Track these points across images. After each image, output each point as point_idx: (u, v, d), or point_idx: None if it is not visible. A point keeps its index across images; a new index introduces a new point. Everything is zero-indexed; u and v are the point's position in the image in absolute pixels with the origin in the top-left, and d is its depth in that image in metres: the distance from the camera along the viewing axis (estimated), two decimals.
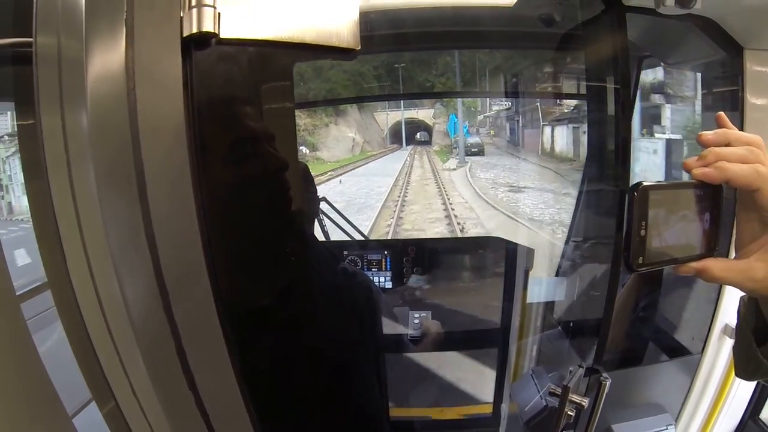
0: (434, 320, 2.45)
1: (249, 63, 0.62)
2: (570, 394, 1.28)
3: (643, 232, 0.61)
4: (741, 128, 0.71)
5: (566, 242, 2.69)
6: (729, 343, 1.61)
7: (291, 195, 0.74)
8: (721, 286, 1.58)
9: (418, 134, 37.10)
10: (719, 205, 0.67)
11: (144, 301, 0.56)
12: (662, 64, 2.16)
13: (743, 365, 0.75)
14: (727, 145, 0.63)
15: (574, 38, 1.74)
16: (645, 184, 0.62)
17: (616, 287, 1.44)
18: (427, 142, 35.83)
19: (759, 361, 0.68)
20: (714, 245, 0.68)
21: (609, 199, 1.58)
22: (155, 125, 0.55)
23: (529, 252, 2.25)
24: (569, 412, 1.30)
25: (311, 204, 1.17)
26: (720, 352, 1.63)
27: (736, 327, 0.76)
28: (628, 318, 1.86)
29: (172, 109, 0.56)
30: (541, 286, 2.42)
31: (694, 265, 0.65)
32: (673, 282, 1.87)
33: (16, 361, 0.56)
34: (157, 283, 0.56)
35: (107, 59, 0.52)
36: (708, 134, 0.64)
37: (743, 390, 1.72)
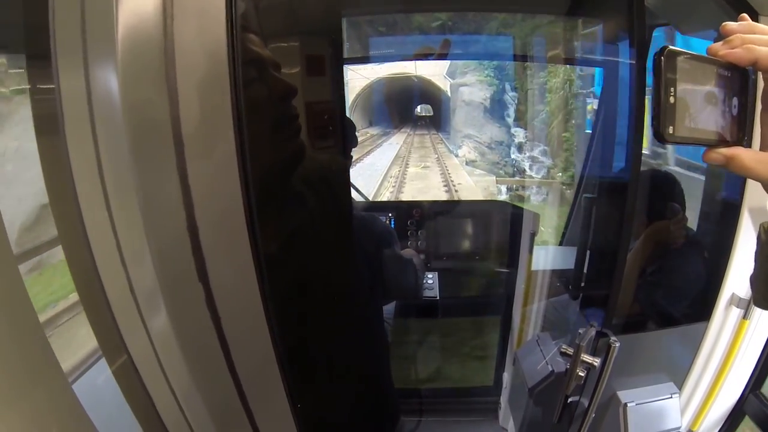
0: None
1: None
2: (582, 354, 1.29)
3: (672, 100, 0.58)
4: (754, 96, 0.68)
5: (571, 210, 2.69)
6: (735, 312, 1.62)
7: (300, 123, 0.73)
8: (729, 255, 1.58)
9: (419, 108, 19.35)
10: (747, 93, 0.64)
11: (174, 253, 0.57)
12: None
13: (763, 291, 0.75)
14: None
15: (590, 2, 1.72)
16: (671, 47, 0.58)
17: (626, 251, 1.43)
18: (433, 123, 20.14)
19: None
20: (743, 135, 0.65)
21: (620, 164, 1.57)
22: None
23: (535, 216, 2.23)
24: (580, 373, 1.30)
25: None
26: (726, 321, 1.65)
27: (756, 253, 0.75)
28: (634, 283, 1.86)
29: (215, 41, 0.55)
30: (548, 253, 2.42)
31: (724, 151, 0.62)
32: (680, 248, 1.87)
33: (14, 326, 0.56)
34: (189, 235, 0.57)
35: None
36: (732, 24, 0.62)
37: (746, 362, 1.74)
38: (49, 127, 0.61)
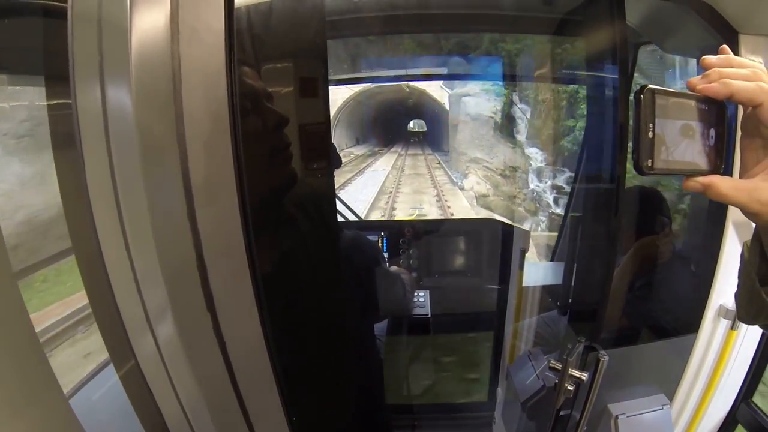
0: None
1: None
2: (570, 369, 1.30)
3: (650, 134, 0.61)
4: (735, 114, 0.72)
5: (562, 226, 2.71)
6: (724, 323, 1.64)
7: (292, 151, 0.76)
8: (715, 267, 1.60)
9: (411, 123, 16.68)
10: (724, 124, 0.68)
11: (185, 287, 0.61)
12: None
13: (746, 307, 0.77)
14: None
15: (573, 23, 1.76)
16: (650, 86, 0.62)
17: (613, 266, 1.46)
18: (429, 144, 16.45)
19: (762, 303, 0.70)
20: (720, 164, 0.68)
21: (606, 182, 1.59)
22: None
23: (525, 234, 2.25)
24: (569, 387, 1.31)
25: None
26: (715, 332, 1.67)
27: (739, 271, 0.78)
28: (623, 297, 1.88)
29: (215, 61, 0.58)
30: (538, 269, 2.43)
31: (702, 179, 0.65)
32: (667, 262, 1.89)
33: (11, 342, 0.57)
34: (195, 255, 0.60)
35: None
36: (711, 57, 0.65)
37: (736, 372, 1.75)
38: (64, 143, 0.63)
